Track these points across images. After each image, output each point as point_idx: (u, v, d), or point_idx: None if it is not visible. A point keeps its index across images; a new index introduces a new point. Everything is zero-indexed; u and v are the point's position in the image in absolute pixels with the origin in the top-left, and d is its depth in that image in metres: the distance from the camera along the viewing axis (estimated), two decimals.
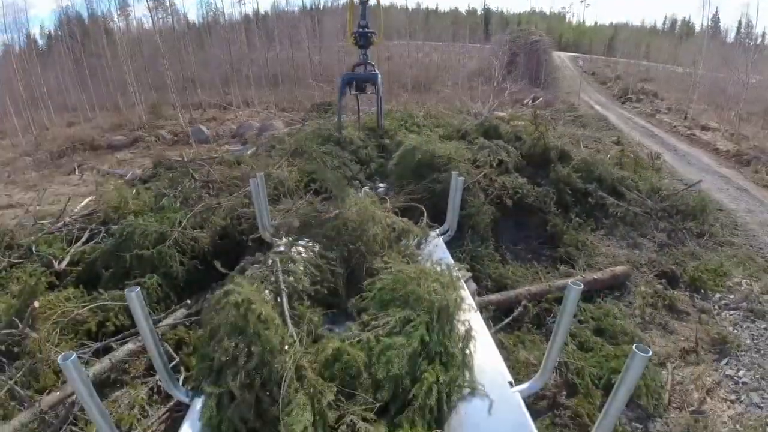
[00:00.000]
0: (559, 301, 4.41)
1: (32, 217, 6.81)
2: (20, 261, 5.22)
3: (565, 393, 3.70)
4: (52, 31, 37.26)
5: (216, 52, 29.07)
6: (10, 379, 3.48)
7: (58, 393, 3.43)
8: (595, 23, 66.93)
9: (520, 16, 57.11)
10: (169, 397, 3.60)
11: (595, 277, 5.02)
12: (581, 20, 66.17)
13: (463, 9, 57.23)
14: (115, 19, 33.26)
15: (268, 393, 2.23)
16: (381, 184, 5.84)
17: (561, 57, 42.24)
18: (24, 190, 12.09)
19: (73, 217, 6.40)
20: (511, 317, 4.46)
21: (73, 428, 3.36)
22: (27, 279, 4.43)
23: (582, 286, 2.14)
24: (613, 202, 6.35)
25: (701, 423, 3.56)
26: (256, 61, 29.78)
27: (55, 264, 4.81)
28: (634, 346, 1.75)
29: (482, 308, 4.03)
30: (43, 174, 13.59)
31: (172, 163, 6.87)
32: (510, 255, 5.47)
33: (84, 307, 4.04)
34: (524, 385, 2.50)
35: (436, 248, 3.77)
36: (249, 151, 8.07)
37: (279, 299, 2.62)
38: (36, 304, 3.95)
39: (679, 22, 53.10)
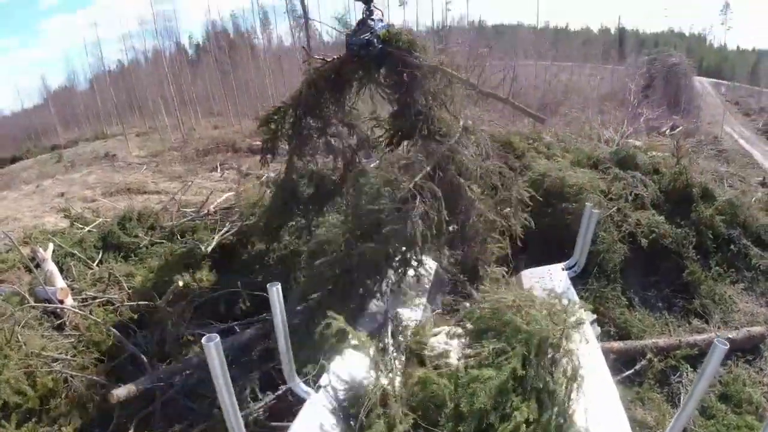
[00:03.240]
0: (688, 359, 4.15)
1: (177, 204, 7.72)
2: (161, 241, 5.99)
3: None
4: (201, 43, 42.65)
5: None
6: (136, 345, 3.99)
7: (179, 365, 3.84)
8: (737, 47, 57.86)
9: (658, 36, 51.64)
10: (275, 386, 3.83)
11: (730, 336, 4.43)
12: (722, 43, 57.48)
13: (595, 28, 52.52)
14: (259, 36, 37.29)
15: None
16: None
17: (702, 83, 37.43)
18: (170, 180, 13.62)
19: (214, 208, 7.19)
20: (632, 370, 4.16)
21: (185, 400, 3.72)
22: (168, 257, 5.02)
23: (728, 346, 1.89)
24: (757, 252, 5.53)
25: None
26: None
27: (203, 248, 5.22)
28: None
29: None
30: (188, 168, 15.33)
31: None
32: (638, 300, 4.98)
33: (217, 291, 4.50)
34: None
35: (560, 283, 3.57)
36: None
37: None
38: (180, 283, 4.47)
39: None
